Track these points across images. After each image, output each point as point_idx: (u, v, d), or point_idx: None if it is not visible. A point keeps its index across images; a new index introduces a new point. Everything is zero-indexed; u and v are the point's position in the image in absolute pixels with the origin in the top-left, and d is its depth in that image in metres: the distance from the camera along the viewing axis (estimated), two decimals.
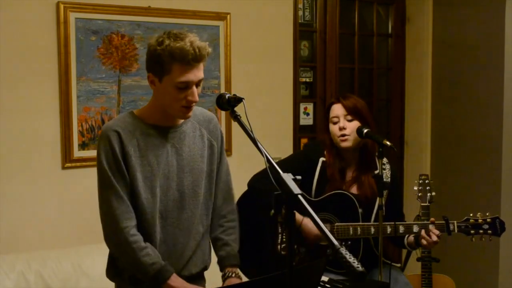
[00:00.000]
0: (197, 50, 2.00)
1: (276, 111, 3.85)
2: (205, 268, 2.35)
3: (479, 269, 4.06)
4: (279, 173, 1.63)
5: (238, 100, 1.92)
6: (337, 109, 2.76)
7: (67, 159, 3.15)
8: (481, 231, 2.70)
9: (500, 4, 3.85)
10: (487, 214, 2.72)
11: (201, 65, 2.06)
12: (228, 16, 3.58)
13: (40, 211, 3.10)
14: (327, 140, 2.83)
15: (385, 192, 2.75)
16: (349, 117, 2.73)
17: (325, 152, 2.81)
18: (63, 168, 3.15)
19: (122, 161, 2.09)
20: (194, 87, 2.06)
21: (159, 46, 2.01)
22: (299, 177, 1.62)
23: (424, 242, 2.65)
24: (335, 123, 2.76)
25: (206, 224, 2.31)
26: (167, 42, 2.00)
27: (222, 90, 3.57)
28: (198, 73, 2.05)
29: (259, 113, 3.66)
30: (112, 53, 3.24)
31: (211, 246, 2.37)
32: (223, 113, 3.59)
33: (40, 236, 3.10)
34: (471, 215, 2.73)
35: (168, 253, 2.19)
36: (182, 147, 2.19)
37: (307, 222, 2.65)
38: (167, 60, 2.00)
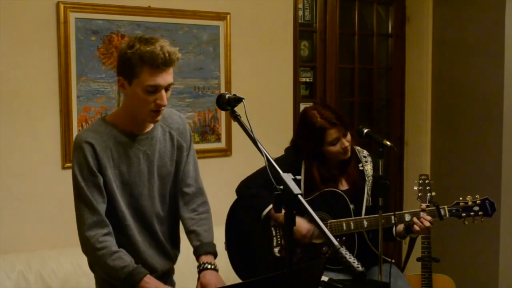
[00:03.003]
0: (167, 55, 2.02)
1: (276, 111, 3.85)
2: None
3: (479, 269, 4.06)
4: (279, 173, 1.62)
5: (238, 100, 1.91)
6: (335, 133, 2.69)
7: (67, 159, 3.15)
8: (472, 213, 2.75)
9: (500, 4, 3.85)
10: (476, 196, 2.77)
11: (171, 70, 2.08)
12: (228, 16, 3.58)
13: (40, 211, 3.10)
14: (308, 155, 2.73)
15: (369, 183, 2.77)
16: (345, 133, 2.71)
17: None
18: (63, 168, 3.15)
19: (98, 172, 2.13)
20: (163, 91, 2.08)
21: (130, 49, 2.04)
22: (299, 177, 1.62)
23: (416, 228, 2.67)
24: (335, 145, 2.70)
25: (175, 222, 2.39)
26: (137, 45, 2.03)
27: (222, 90, 3.57)
28: (167, 77, 2.07)
29: (259, 113, 3.66)
30: (112, 53, 3.24)
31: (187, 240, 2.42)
32: (223, 113, 3.59)
33: (40, 236, 3.10)
34: (460, 198, 2.78)
35: (154, 255, 2.29)
36: (153, 153, 2.23)
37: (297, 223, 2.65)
38: (136, 63, 2.02)
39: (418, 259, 3.14)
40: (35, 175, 3.09)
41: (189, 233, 2.35)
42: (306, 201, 2.66)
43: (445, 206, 2.74)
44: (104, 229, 2.14)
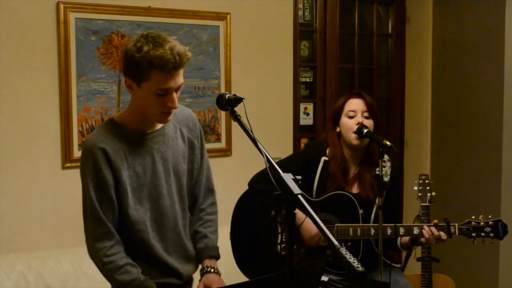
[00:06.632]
0: (177, 58, 1.95)
1: (276, 111, 3.85)
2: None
3: (479, 269, 4.05)
4: (279, 173, 1.62)
5: (238, 100, 1.91)
6: (357, 104, 2.72)
7: (67, 159, 3.15)
8: (482, 234, 2.65)
9: (500, 3, 3.85)
10: (490, 216, 2.68)
11: (181, 71, 2.01)
12: (228, 16, 3.58)
13: (40, 211, 3.10)
14: (334, 136, 2.78)
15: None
16: (366, 114, 2.71)
17: (327, 150, 2.79)
18: (63, 168, 3.15)
19: (113, 177, 2.06)
20: (174, 93, 2.02)
21: (137, 53, 1.95)
22: (299, 177, 1.62)
23: (425, 235, 2.58)
24: (351, 117, 2.71)
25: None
26: (145, 48, 1.94)
27: (222, 90, 3.57)
28: (178, 80, 2.00)
29: (259, 113, 3.66)
30: (112, 53, 3.24)
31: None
32: (223, 113, 3.59)
33: (40, 236, 3.10)
34: (473, 217, 2.68)
35: (177, 259, 2.22)
36: (167, 150, 2.18)
37: (307, 223, 2.64)
38: (146, 67, 1.95)
39: (418, 259, 3.14)
40: (35, 175, 3.09)
41: (195, 233, 2.32)
42: (316, 202, 2.69)
43: (456, 224, 2.64)
44: (111, 241, 2.08)
